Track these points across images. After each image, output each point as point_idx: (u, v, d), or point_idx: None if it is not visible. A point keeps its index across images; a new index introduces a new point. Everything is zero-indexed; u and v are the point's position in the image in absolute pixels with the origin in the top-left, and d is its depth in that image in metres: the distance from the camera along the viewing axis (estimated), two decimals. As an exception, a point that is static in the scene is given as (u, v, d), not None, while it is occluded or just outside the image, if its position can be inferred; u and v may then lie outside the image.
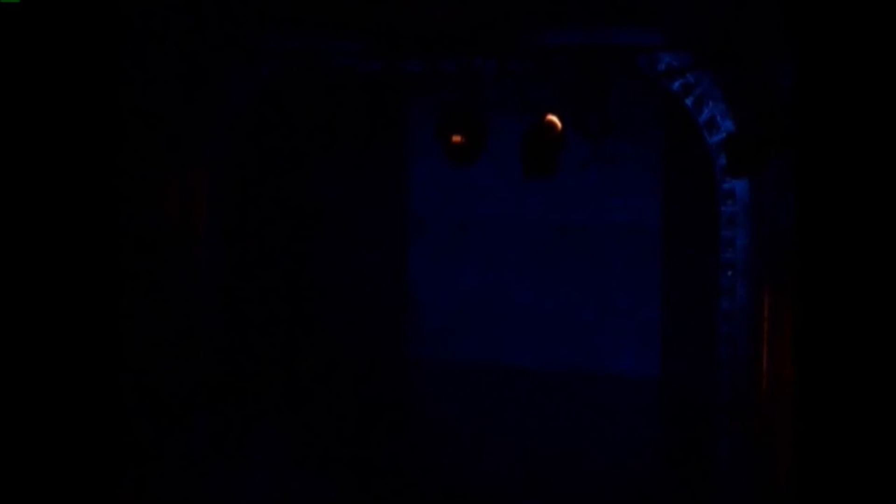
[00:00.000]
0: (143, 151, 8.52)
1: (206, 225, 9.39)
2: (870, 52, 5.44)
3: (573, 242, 12.25)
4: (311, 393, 10.69)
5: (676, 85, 8.28)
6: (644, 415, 11.13)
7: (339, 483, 8.16)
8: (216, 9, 8.44)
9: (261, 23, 8.60)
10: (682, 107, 8.46)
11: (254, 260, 10.41)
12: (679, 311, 11.26)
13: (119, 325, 6.24)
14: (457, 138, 8.03)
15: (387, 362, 11.81)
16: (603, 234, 12.15)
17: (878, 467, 5.38)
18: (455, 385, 11.70)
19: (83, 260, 5.89)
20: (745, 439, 8.38)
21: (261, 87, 9.25)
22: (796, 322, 5.89)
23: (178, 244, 9.14)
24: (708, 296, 9.10)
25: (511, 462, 9.07)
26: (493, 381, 11.76)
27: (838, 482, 5.44)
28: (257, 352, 10.29)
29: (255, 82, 9.22)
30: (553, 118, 7.74)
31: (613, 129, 8.10)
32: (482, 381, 11.78)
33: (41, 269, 5.78)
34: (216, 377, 9.36)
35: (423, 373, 12.08)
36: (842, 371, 5.46)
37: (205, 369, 9.28)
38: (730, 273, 8.40)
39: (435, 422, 10.46)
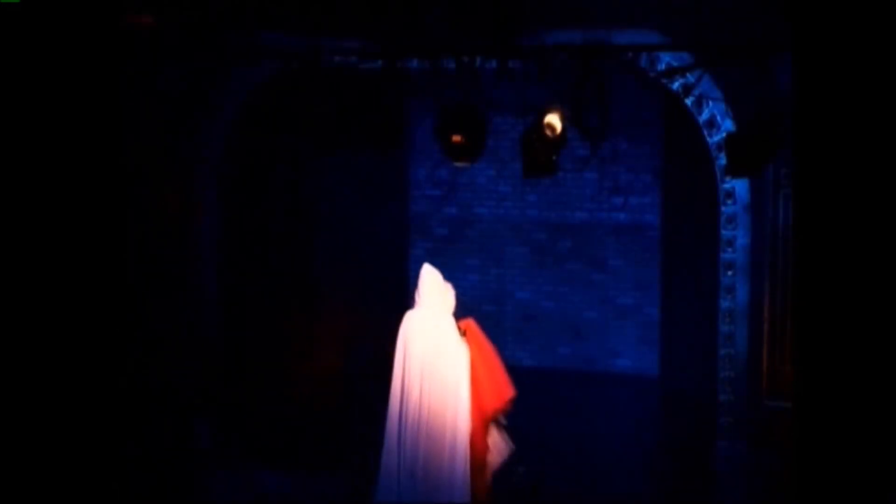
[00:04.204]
0: (143, 153, 8.52)
1: (206, 225, 9.39)
2: (870, 52, 5.44)
3: (573, 241, 12.26)
4: (312, 393, 10.68)
5: (676, 85, 8.28)
6: (643, 414, 11.13)
7: (342, 482, 8.18)
8: (216, 8, 8.44)
9: (260, 22, 8.60)
10: (681, 106, 8.46)
11: (253, 260, 10.41)
12: (679, 310, 11.26)
13: (120, 326, 6.23)
14: (456, 138, 8.01)
15: (387, 361, 11.79)
16: (602, 232, 12.16)
17: (877, 467, 5.39)
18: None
19: (83, 261, 5.89)
20: (745, 439, 8.38)
21: (260, 87, 9.25)
22: (796, 322, 5.89)
23: (179, 244, 9.14)
24: (708, 295, 9.10)
25: (510, 459, 9.06)
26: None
27: (838, 482, 5.44)
28: (258, 352, 10.28)
29: (254, 82, 9.22)
30: (553, 118, 7.73)
31: (613, 129, 8.10)
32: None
33: (41, 271, 5.77)
34: (217, 378, 9.36)
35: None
36: (842, 371, 5.46)
37: (206, 370, 9.28)
38: (730, 273, 8.40)
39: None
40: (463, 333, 7.40)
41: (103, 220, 5.98)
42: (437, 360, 7.31)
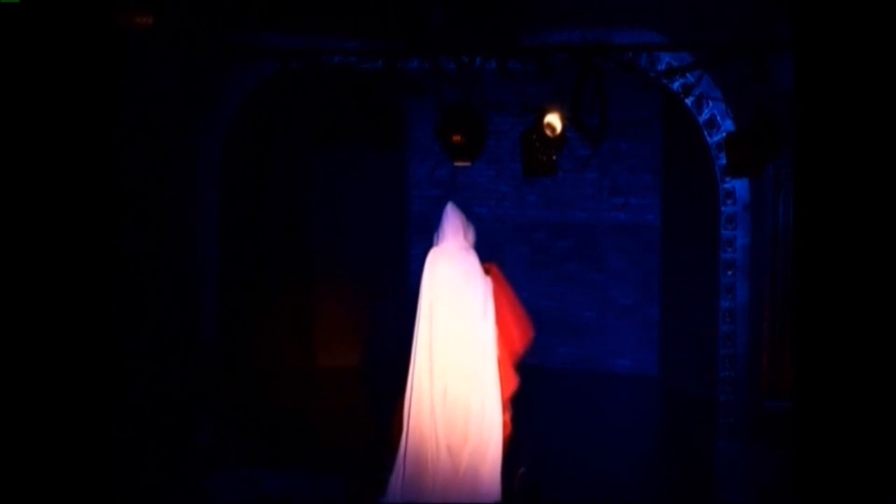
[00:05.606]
0: (142, 153, 8.51)
1: (206, 225, 9.39)
2: (870, 51, 5.45)
3: (573, 241, 12.27)
4: (312, 392, 10.70)
5: (676, 85, 8.27)
6: (643, 413, 11.14)
7: (344, 483, 8.18)
8: (215, 8, 8.44)
9: (260, 22, 8.60)
10: (681, 106, 8.46)
11: (253, 259, 10.41)
12: (679, 310, 11.27)
13: (120, 326, 6.24)
14: (457, 138, 8.02)
15: (387, 362, 11.81)
16: (602, 232, 12.16)
17: (877, 467, 5.39)
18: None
19: (82, 261, 5.89)
20: (745, 439, 8.38)
21: (259, 87, 9.24)
22: (796, 322, 5.90)
23: (178, 245, 9.14)
24: (708, 295, 9.10)
25: (509, 459, 9.06)
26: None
27: (838, 482, 5.45)
28: (258, 351, 10.28)
29: (254, 81, 9.21)
30: (553, 118, 7.73)
31: (613, 129, 8.10)
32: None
33: (40, 271, 5.78)
34: (217, 378, 9.36)
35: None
36: (842, 371, 5.47)
37: (206, 370, 9.28)
38: (730, 273, 8.40)
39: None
40: (487, 272, 7.68)
41: (102, 220, 5.99)
42: (463, 289, 7.59)
